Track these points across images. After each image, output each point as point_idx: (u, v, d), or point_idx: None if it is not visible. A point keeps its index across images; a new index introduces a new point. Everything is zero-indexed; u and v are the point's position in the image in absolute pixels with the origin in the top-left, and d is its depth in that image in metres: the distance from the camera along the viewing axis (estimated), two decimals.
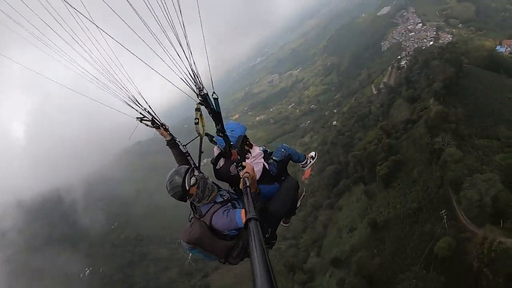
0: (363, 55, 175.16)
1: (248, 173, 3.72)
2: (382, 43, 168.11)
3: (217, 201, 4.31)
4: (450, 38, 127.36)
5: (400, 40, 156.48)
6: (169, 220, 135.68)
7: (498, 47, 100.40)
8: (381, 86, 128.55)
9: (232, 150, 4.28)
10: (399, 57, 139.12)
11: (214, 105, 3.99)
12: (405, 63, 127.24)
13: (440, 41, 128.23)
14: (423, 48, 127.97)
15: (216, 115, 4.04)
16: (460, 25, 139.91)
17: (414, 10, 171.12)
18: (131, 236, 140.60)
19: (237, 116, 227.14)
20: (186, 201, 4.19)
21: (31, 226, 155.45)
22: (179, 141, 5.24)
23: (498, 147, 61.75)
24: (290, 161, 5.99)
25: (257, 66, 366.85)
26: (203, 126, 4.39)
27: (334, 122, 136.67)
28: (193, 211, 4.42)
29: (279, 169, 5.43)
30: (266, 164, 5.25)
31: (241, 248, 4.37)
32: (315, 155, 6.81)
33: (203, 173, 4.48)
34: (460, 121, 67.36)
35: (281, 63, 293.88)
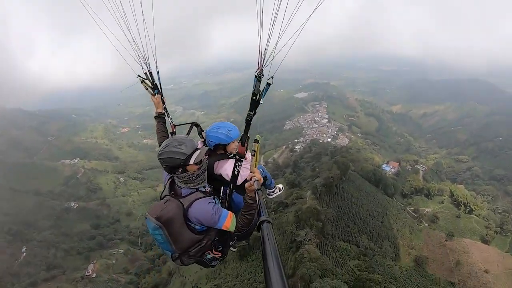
0: (265, 125, 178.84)
1: (256, 177, 3.61)
2: (287, 122, 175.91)
3: (200, 190, 3.95)
4: (347, 142, 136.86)
5: (303, 126, 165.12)
6: None
7: (384, 165, 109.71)
8: (270, 160, 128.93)
9: (243, 146, 4.07)
10: (296, 140, 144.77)
11: (264, 91, 3.63)
12: (299, 148, 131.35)
13: (337, 141, 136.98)
14: (320, 141, 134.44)
15: (256, 104, 3.65)
16: (359, 134, 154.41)
17: (326, 106, 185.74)
18: None
19: (125, 130, 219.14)
20: (171, 173, 3.91)
21: None
22: (171, 118, 5.21)
23: (356, 253, 63.86)
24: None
25: (166, 92, 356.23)
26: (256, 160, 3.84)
27: None
28: (169, 189, 4.02)
29: None
30: None
31: (202, 247, 4.01)
32: (282, 188, 6.01)
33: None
34: (328, 221, 68.03)
35: (189, 99, 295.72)
